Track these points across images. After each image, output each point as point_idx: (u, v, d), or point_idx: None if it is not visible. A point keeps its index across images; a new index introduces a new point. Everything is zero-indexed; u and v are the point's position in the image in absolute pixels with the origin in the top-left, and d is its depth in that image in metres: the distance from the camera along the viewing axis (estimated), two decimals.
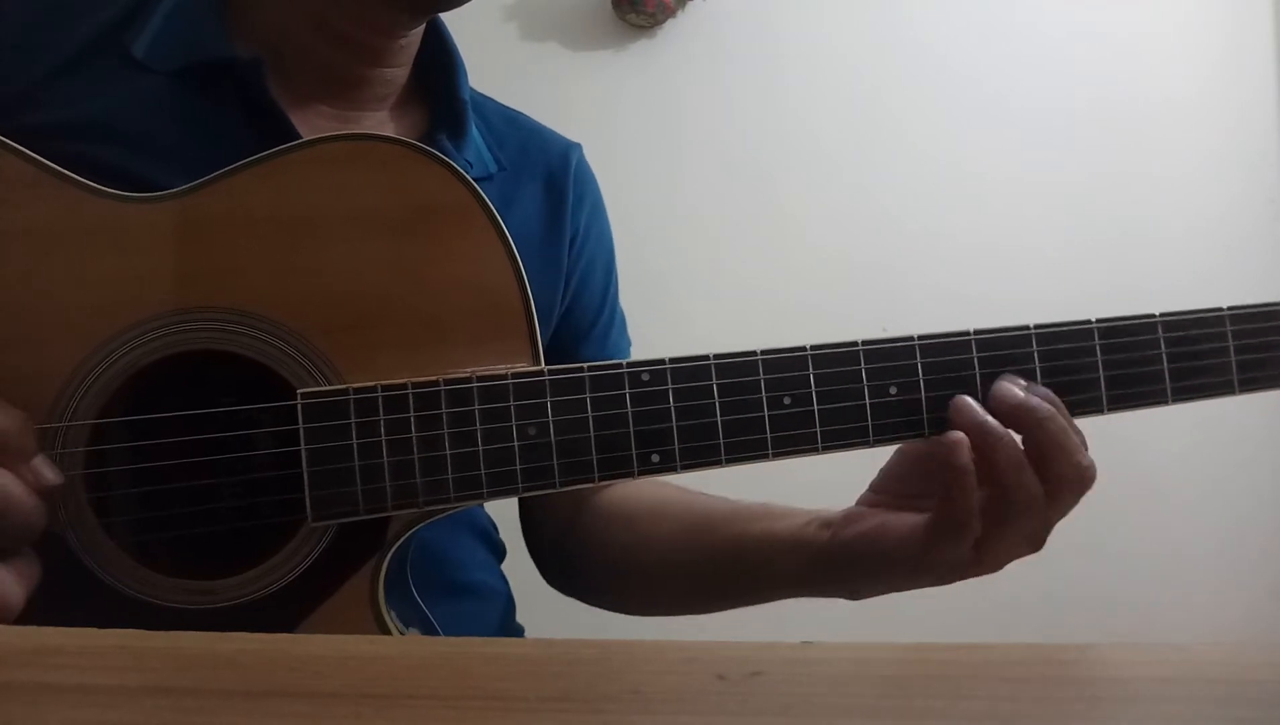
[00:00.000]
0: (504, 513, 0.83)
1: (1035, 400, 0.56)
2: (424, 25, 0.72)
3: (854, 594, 0.65)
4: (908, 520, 0.60)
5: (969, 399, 0.57)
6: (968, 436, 0.56)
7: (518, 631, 0.81)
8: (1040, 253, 1.86)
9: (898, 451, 0.63)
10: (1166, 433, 1.75)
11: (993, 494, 0.56)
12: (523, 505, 0.82)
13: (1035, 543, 0.58)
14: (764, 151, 1.84)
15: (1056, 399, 0.57)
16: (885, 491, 0.64)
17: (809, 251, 1.84)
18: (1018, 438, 0.57)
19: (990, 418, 0.56)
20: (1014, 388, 0.57)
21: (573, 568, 0.81)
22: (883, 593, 0.63)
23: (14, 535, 0.50)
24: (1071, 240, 1.87)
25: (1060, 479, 0.56)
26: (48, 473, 0.51)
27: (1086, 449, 0.57)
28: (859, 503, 0.65)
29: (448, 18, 0.72)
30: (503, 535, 0.83)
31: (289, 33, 0.68)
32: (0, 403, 0.51)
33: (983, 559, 0.58)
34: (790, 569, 0.66)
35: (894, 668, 0.33)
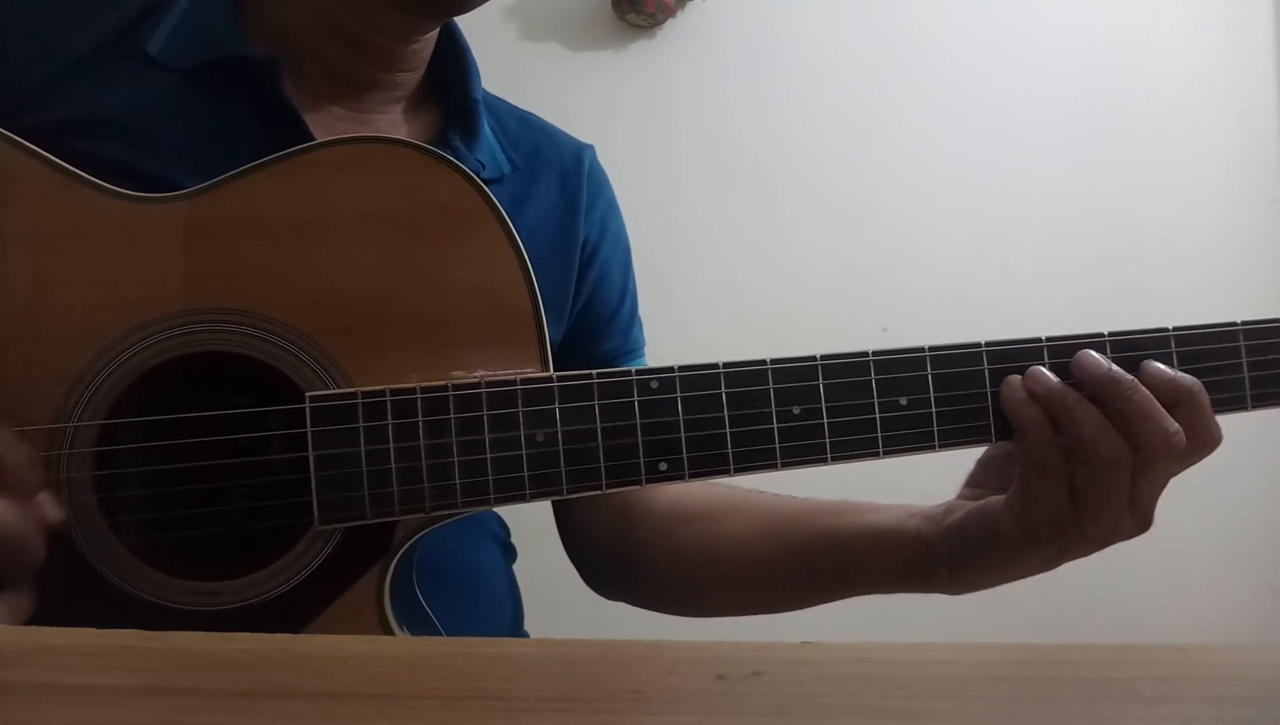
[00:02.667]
0: (516, 515, 0.82)
1: (1117, 371, 0.57)
2: (438, 29, 0.72)
3: (959, 583, 0.65)
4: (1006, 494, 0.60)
5: (1040, 368, 0.58)
6: (1038, 404, 0.56)
7: (524, 637, 0.80)
8: (1040, 253, 1.86)
9: (990, 446, 0.64)
10: None
11: (1077, 454, 0.57)
12: (559, 514, 0.80)
13: (1141, 517, 0.58)
14: (764, 151, 1.84)
15: (1164, 373, 0.57)
16: (982, 485, 0.64)
17: (809, 251, 1.84)
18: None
19: (1057, 380, 0.57)
20: (1099, 358, 0.58)
21: (629, 571, 0.79)
22: (990, 578, 0.63)
23: (10, 569, 0.49)
24: (1071, 240, 1.87)
25: (1149, 444, 0.56)
26: (51, 510, 0.50)
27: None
28: (958, 497, 0.65)
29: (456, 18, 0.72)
30: (516, 537, 0.83)
31: (303, 34, 0.68)
32: (8, 435, 0.51)
33: (1084, 528, 0.58)
34: (891, 561, 0.66)
35: (894, 668, 0.33)
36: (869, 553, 0.67)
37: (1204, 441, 0.58)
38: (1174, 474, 0.58)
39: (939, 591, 0.66)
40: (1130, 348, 0.59)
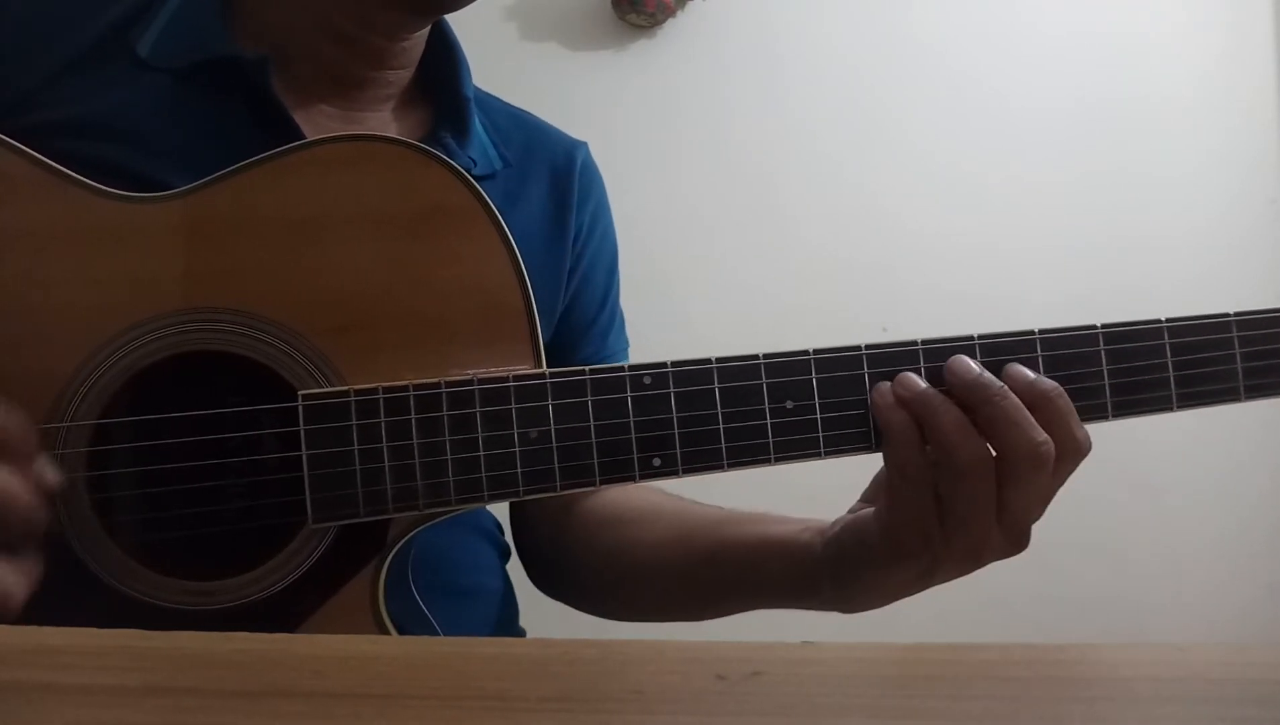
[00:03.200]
0: (508, 513, 0.83)
1: (988, 376, 0.55)
2: (429, 27, 0.72)
3: (842, 600, 0.64)
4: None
5: (909, 373, 0.56)
6: (905, 408, 0.55)
7: (519, 634, 0.80)
8: (1040, 253, 1.86)
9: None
10: (1165, 433, 1.75)
11: (939, 460, 0.55)
12: (513, 505, 0.81)
13: (1013, 534, 0.56)
14: (764, 151, 1.84)
15: (1025, 376, 0.56)
16: (874, 501, 0.62)
17: (809, 251, 1.84)
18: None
19: (925, 385, 0.55)
20: (969, 362, 0.56)
21: (560, 570, 0.80)
22: (867, 594, 0.62)
23: (15, 533, 0.49)
24: (1071, 240, 1.87)
25: (1014, 451, 0.54)
26: (48, 473, 0.51)
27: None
28: (850, 511, 0.64)
29: (449, 17, 0.72)
30: (508, 537, 0.83)
31: (293, 33, 0.68)
32: (2, 403, 0.51)
33: (951, 540, 0.56)
34: (781, 573, 0.65)
35: (894, 668, 0.33)
36: (762, 563, 0.66)
37: (1066, 450, 0.55)
38: (1049, 489, 0.56)
39: (829, 608, 0.65)
40: (1122, 340, 0.59)
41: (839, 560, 0.62)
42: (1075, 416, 0.56)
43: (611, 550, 0.75)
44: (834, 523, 0.64)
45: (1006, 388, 0.55)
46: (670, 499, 0.76)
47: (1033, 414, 0.55)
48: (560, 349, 0.77)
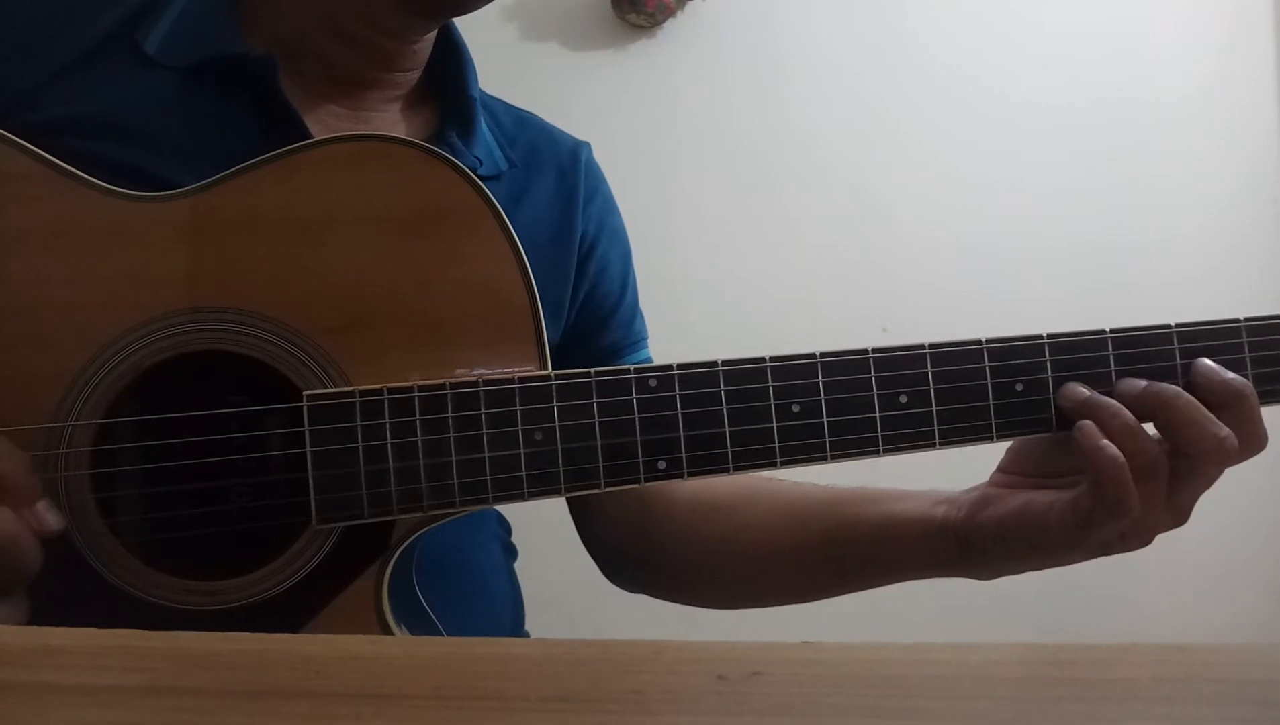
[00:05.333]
0: (517, 514, 0.82)
1: (1158, 385, 0.57)
2: (437, 30, 0.72)
3: (990, 573, 0.65)
4: (1055, 499, 0.59)
5: (1075, 384, 0.58)
6: (1117, 444, 0.56)
7: (524, 636, 0.80)
8: (1040, 253, 1.86)
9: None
10: None
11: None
12: (575, 509, 0.80)
13: (1179, 514, 0.58)
14: (764, 151, 1.84)
15: (1219, 374, 0.58)
16: (1016, 471, 0.63)
17: (809, 251, 1.84)
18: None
19: (1095, 394, 0.57)
20: (1136, 382, 0.58)
21: (653, 565, 0.79)
22: (1024, 570, 0.63)
23: (7, 578, 0.49)
24: (1071, 240, 1.87)
25: (1199, 449, 0.56)
26: (50, 519, 0.51)
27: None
28: (991, 483, 0.64)
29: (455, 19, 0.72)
30: (516, 537, 0.83)
31: (302, 33, 0.68)
32: (6, 444, 0.51)
33: (1128, 543, 0.58)
34: (919, 550, 0.65)
35: (894, 668, 0.33)
36: (895, 542, 0.66)
37: (1251, 445, 0.58)
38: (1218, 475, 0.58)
39: (970, 577, 0.66)
40: (1132, 344, 0.59)
41: (999, 544, 0.62)
42: (1260, 413, 0.58)
43: (719, 539, 0.74)
44: (980, 499, 0.64)
45: (1179, 389, 0.57)
46: (763, 481, 0.75)
47: (1222, 412, 0.57)
48: (582, 340, 0.76)
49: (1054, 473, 0.61)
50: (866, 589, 0.70)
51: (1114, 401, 0.57)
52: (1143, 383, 0.58)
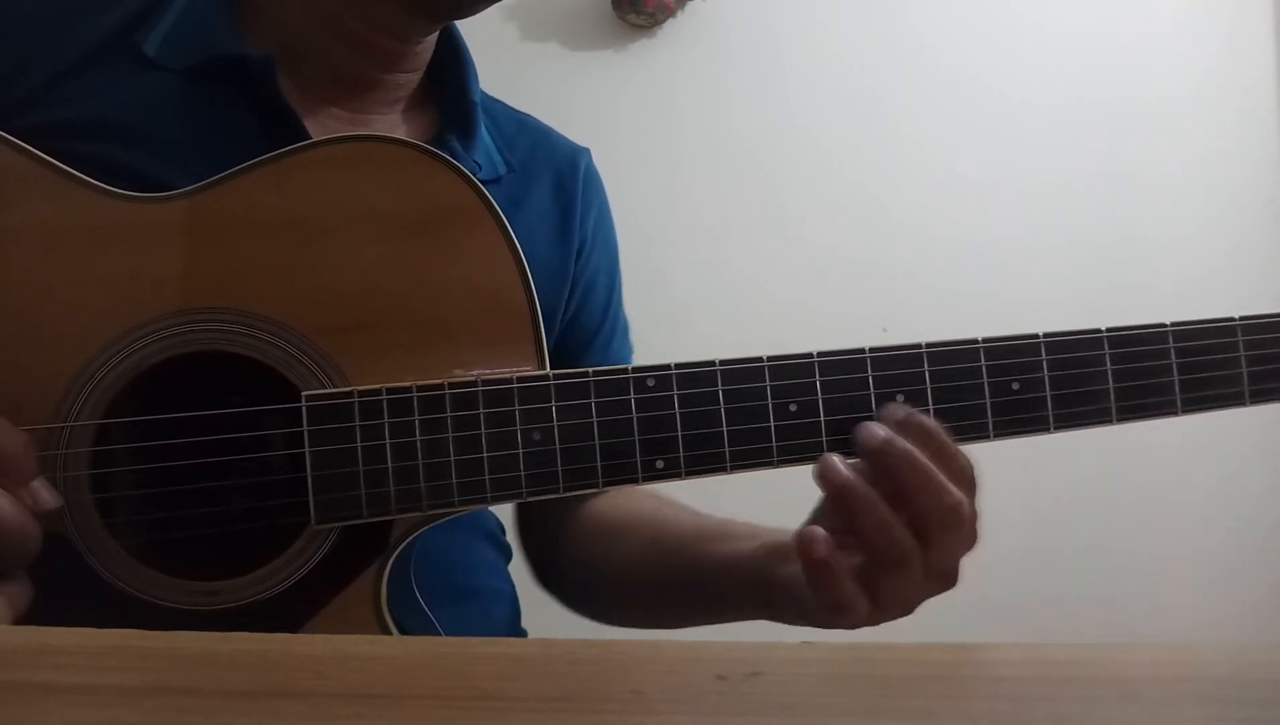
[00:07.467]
0: (511, 514, 0.83)
1: (897, 443, 0.53)
2: (439, 31, 0.72)
3: (809, 623, 0.61)
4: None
5: (832, 458, 0.54)
6: (837, 501, 0.53)
7: (522, 635, 0.80)
8: (1040, 253, 1.86)
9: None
10: (1165, 433, 1.75)
11: (863, 551, 0.54)
12: (519, 505, 0.82)
13: (944, 582, 0.55)
14: (764, 151, 1.84)
15: (935, 428, 0.54)
16: (822, 522, 0.59)
17: (809, 251, 1.84)
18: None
19: (853, 479, 0.53)
20: (876, 430, 0.54)
21: (558, 572, 0.81)
22: (827, 628, 0.59)
23: (7, 558, 0.49)
24: (1071, 240, 1.87)
25: (927, 516, 0.53)
26: (47, 496, 0.50)
27: (969, 481, 0.54)
28: (808, 521, 0.61)
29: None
30: (510, 538, 0.83)
31: (302, 33, 0.68)
32: (2, 422, 0.51)
33: (883, 607, 0.55)
34: (743, 596, 0.64)
35: (894, 668, 0.33)
36: (729, 584, 0.66)
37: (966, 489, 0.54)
38: (970, 532, 0.54)
39: (793, 624, 0.62)
40: (1127, 343, 0.59)
41: (787, 597, 0.60)
42: (956, 458, 0.54)
43: (596, 559, 0.76)
44: (787, 548, 0.60)
45: (912, 452, 0.53)
46: (654, 507, 0.75)
47: (940, 463, 0.53)
48: (564, 359, 0.77)
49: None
50: (721, 623, 0.68)
51: (867, 492, 0.53)
52: (881, 434, 0.53)
